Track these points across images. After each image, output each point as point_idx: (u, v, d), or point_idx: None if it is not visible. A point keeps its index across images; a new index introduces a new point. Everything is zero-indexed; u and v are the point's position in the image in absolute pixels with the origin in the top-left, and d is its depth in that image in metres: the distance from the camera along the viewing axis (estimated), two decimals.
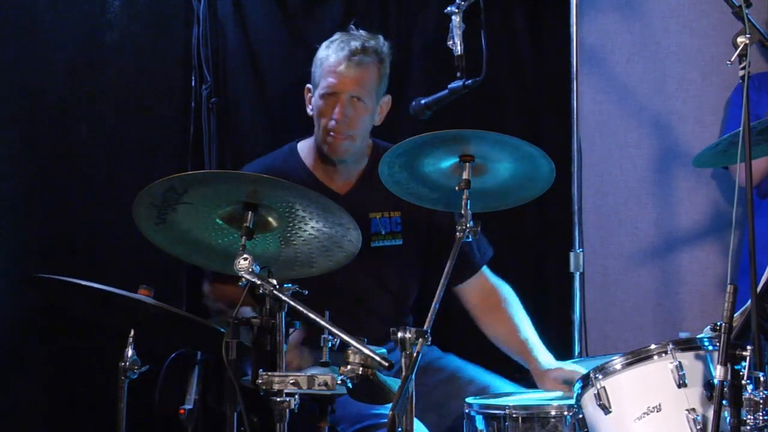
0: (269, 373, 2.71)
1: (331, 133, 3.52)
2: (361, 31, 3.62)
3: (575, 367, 3.34)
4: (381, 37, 3.62)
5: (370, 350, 2.56)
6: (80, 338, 3.68)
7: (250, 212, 2.87)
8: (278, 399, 2.71)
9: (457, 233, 2.91)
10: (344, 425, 3.25)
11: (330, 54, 3.53)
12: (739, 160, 2.77)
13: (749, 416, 2.57)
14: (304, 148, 3.68)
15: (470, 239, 2.92)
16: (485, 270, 3.70)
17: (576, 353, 3.76)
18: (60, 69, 3.78)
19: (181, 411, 3.12)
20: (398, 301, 3.68)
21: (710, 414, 2.66)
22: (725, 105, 4.17)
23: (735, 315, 2.60)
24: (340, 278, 3.31)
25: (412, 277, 3.70)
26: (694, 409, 2.74)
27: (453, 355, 3.66)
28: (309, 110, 3.61)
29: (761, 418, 2.57)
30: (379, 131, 3.71)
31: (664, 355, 2.82)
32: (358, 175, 3.65)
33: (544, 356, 3.47)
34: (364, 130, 3.59)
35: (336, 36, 3.60)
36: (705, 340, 2.83)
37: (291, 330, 2.83)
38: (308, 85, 3.62)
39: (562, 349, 3.77)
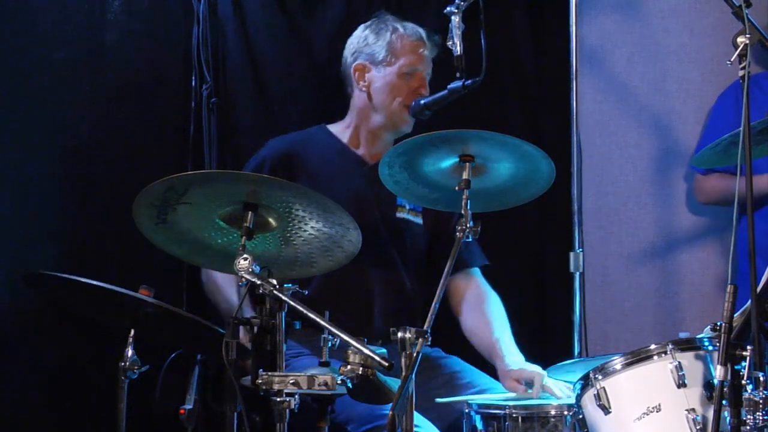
0: (269, 373, 2.71)
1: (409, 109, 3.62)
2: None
3: (537, 369, 3.30)
4: None
5: (370, 350, 2.55)
6: (80, 338, 3.68)
7: (250, 212, 2.87)
8: (278, 399, 2.71)
9: (457, 233, 2.91)
10: (354, 425, 3.24)
11: (407, 34, 3.65)
12: (740, 161, 2.77)
13: (749, 416, 2.56)
14: (333, 127, 3.76)
15: (470, 239, 2.93)
16: (478, 274, 3.72)
17: (576, 353, 3.75)
18: (60, 69, 3.78)
19: (181, 411, 3.12)
20: (413, 284, 3.67)
21: (710, 414, 2.66)
22: (708, 113, 4.17)
23: (735, 315, 2.60)
24: (365, 248, 3.20)
25: (425, 264, 3.72)
26: (693, 409, 2.74)
27: (456, 357, 3.65)
28: (361, 87, 3.68)
29: (761, 418, 2.56)
30: None
31: (663, 355, 2.81)
32: None
33: (512, 357, 3.44)
34: None
35: (384, 17, 3.71)
36: (705, 340, 2.83)
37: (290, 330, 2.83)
38: (361, 62, 3.67)
39: (562, 349, 3.77)
